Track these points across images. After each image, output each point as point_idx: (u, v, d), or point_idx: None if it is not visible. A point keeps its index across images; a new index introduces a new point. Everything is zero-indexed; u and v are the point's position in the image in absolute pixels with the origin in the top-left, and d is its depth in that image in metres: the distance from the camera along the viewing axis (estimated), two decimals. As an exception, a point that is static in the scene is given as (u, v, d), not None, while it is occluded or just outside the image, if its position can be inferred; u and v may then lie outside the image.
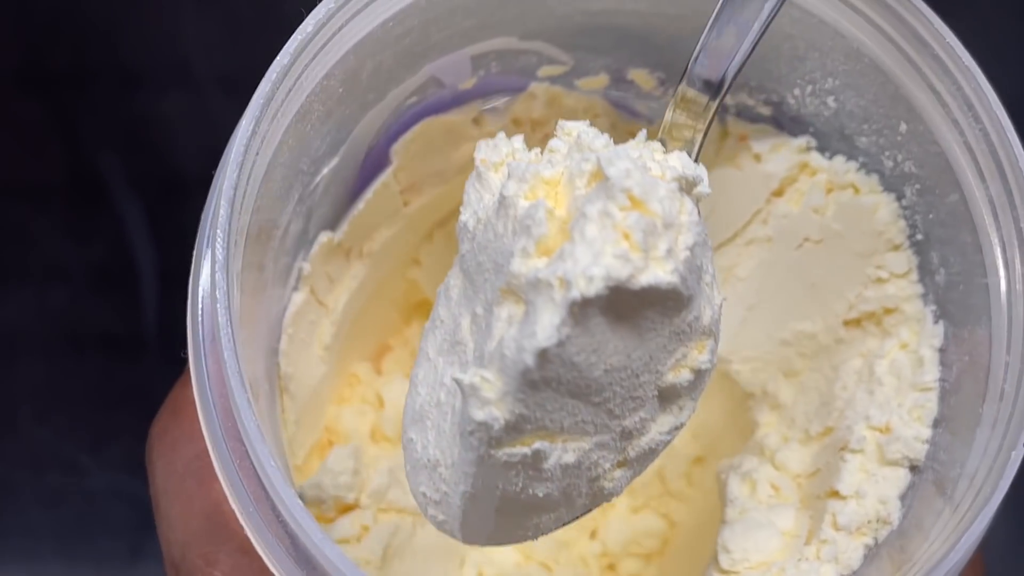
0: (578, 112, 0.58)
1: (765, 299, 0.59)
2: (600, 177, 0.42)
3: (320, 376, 0.60)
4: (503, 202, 0.44)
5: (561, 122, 0.46)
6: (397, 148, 0.58)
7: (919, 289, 0.56)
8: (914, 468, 0.53)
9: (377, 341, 0.65)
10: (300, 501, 0.43)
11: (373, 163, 0.58)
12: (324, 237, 0.58)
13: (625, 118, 0.59)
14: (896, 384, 0.54)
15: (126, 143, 0.88)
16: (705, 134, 0.48)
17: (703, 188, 0.45)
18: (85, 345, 0.87)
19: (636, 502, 0.66)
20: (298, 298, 0.58)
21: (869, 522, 0.52)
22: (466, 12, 0.53)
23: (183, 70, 0.89)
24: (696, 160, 0.47)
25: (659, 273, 0.41)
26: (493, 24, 0.54)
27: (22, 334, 0.87)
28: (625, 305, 0.41)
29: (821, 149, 0.58)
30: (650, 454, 0.47)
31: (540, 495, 0.45)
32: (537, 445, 0.43)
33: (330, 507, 0.58)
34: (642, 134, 0.47)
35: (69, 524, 0.85)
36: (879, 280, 0.56)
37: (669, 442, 0.47)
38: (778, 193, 0.59)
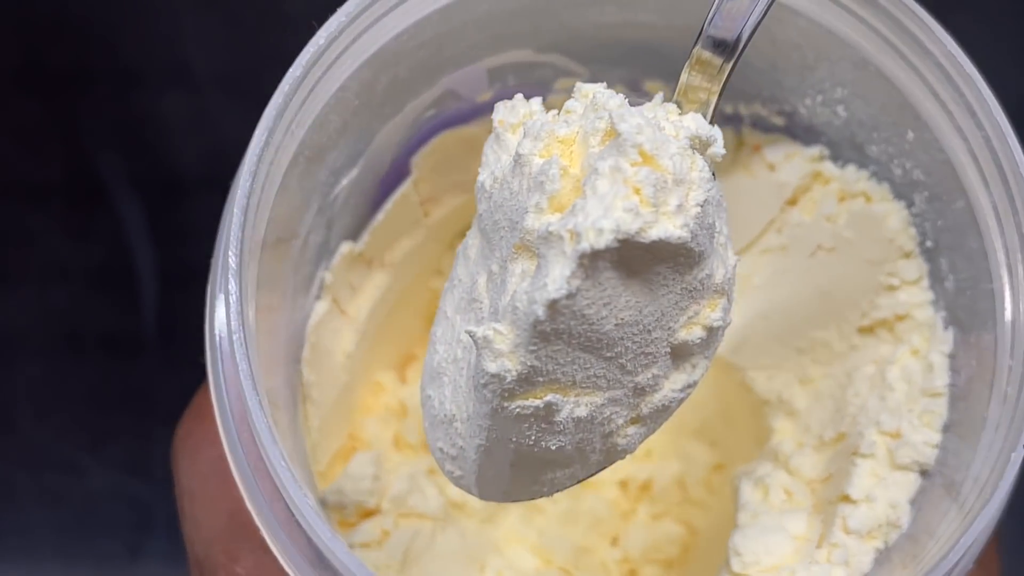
0: None
1: (780, 307, 0.60)
2: (613, 135, 0.43)
3: (343, 384, 0.60)
4: (518, 160, 0.45)
5: (578, 84, 0.47)
6: (416, 160, 0.59)
7: (930, 296, 0.56)
8: (924, 472, 0.53)
9: (402, 350, 0.66)
10: (310, 501, 0.44)
11: (394, 174, 0.59)
12: (345, 247, 0.59)
13: None
14: (907, 390, 0.55)
15: (126, 143, 0.88)
16: (720, 96, 0.48)
17: (717, 148, 0.45)
18: (85, 345, 0.87)
19: (656, 509, 0.66)
20: (320, 307, 0.58)
21: (880, 526, 0.53)
22: (479, 26, 0.54)
23: (183, 70, 0.89)
24: (711, 122, 0.47)
25: (669, 227, 0.41)
26: (507, 37, 0.55)
27: (22, 334, 0.87)
28: (636, 259, 0.42)
29: (833, 158, 0.58)
30: (664, 412, 0.47)
31: (553, 448, 0.46)
32: (549, 398, 0.44)
33: (352, 512, 0.59)
34: (658, 96, 0.48)
35: (68, 524, 0.85)
36: (891, 287, 0.57)
37: (683, 400, 0.47)
38: (792, 202, 0.59)
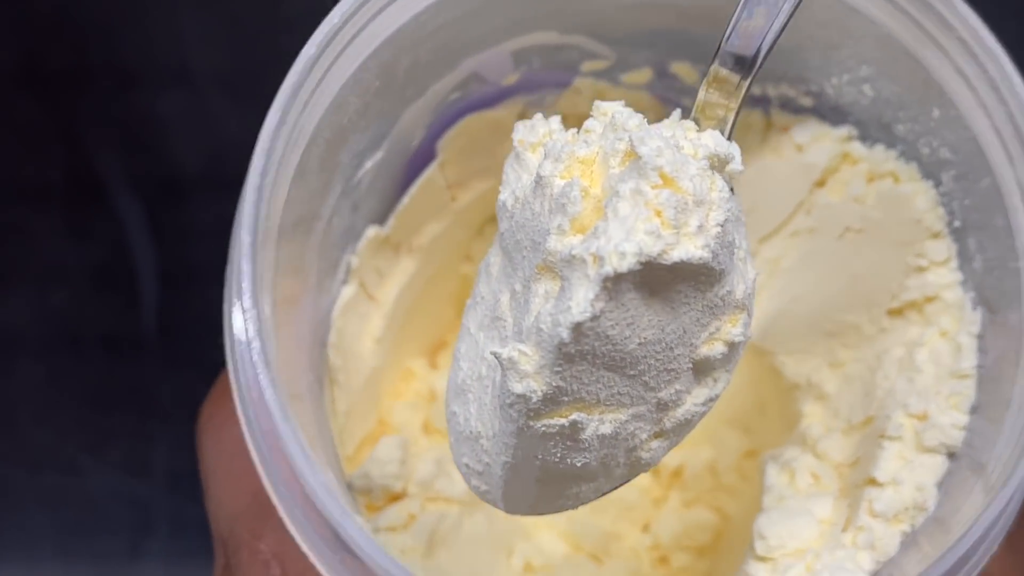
0: None
1: (809, 290, 0.59)
2: (633, 156, 0.43)
3: (371, 369, 0.60)
4: (539, 181, 0.45)
5: (597, 102, 0.47)
6: (442, 143, 0.58)
7: (958, 276, 0.55)
8: (951, 455, 0.52)
9: (432, 336, 0.65)
10: (323, 480, 0.43)
11: (420, 158, 0.58)
12: (372, 231, 0.58)
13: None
14: (935, 371, 0.54)
15: (126, 143, 0.87)
16: (737, 112, 0.48)
17: (735, 165, 0.45)
18: (85, 345, 0.85)
19: (688, 496, 0.65)
20: (347, 291, 0.58)
21: (906, 509, 0.52)
22: (500, 8, 0.53)
23: (183, 70, 0.88)
24: (729, 138, 0.47)
25: (690, 248, 0.42)
26: (530, 19, 0.54)
27: (22, 334, 0.85)
28: (658, 280, 0.42)
29: (862, 138, 0.57)
30: (686, 425, 0.47)
31: (579, 465, 0.46)
32: (574, 416, 0.44)
33: (379, 496, 0.59)
34: (676, 113, 0.47)
35: (68, 524, 0.84)
36: (919, 268, 0.56)
37: (705, 413, 0.47)
38: (820, 183, 0.58)
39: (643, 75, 0.58)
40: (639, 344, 0.43)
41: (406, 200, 0.58)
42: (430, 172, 0.58)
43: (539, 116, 0.48)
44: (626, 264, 0.41)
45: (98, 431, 0.84)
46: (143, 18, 0.87)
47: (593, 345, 0.42)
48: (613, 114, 0.45)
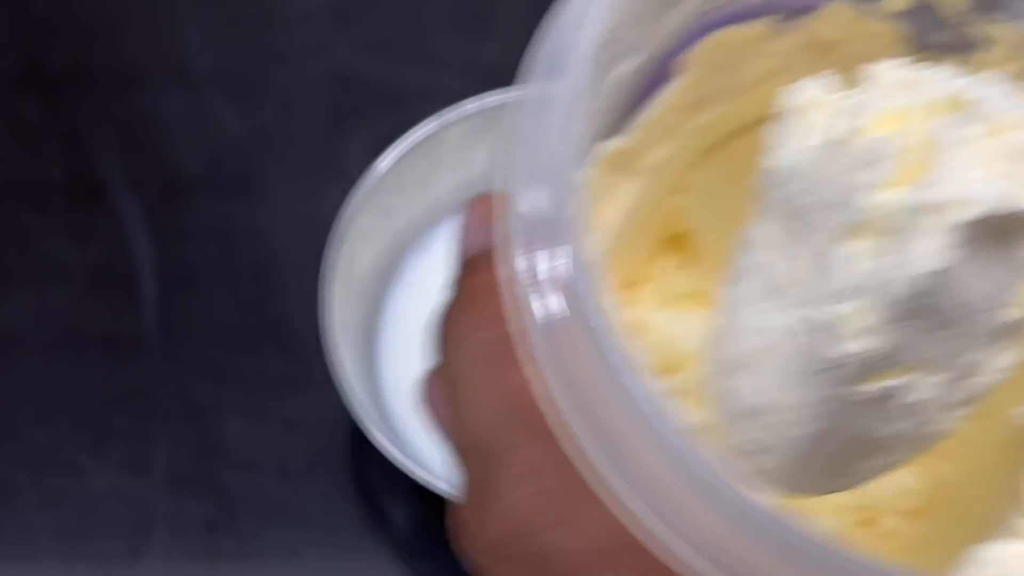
0: (868, 39, 0.52)
1: None
2: (954, 105, 0.39)
3: None
4: (837, 139, 0.41)
5: (873, 65, 0.42)
6: (687, 59, 0.53)
7: None
8: None
9: (626, 271, 0.59)
10: (647, 385, 0.37)
11: (662, 72, 0.53)
12: (606, 145, 0.52)
13: (916, 50, 0.53)
14: None
15: (126, 143, 0.86)
16: None
17: None
18: (85, 345, 0.84)
19: None
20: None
21: None
22: None
23: (183, 70, 0.87)
24: None
25: None
26: None
27: (22, 334, 0.84)
28: (992, 233, 0.38)
29: None
30: (981, 395, 0.43)
31: (876, 437, 0.42)
32: (893, 382, 0.40)
33: None
34: (961, 70, 0.43)
35: (68, 524, 0.81)
36: None
37: (1001, 381, 0.43)
38: None
39: (901, 2, 0.52)
40: (963, 302, 0.39)
41: (643, 117, 0.52)
42: (670, 89, 0.53)
43: (806, 79, 0.43)
44: (971, 213, 0.37)
45: (98, 431, 0.82)
46: (143, 18, 0.87)
47: (925, 302, 0.38)
48: (896, 70, 0.41)
